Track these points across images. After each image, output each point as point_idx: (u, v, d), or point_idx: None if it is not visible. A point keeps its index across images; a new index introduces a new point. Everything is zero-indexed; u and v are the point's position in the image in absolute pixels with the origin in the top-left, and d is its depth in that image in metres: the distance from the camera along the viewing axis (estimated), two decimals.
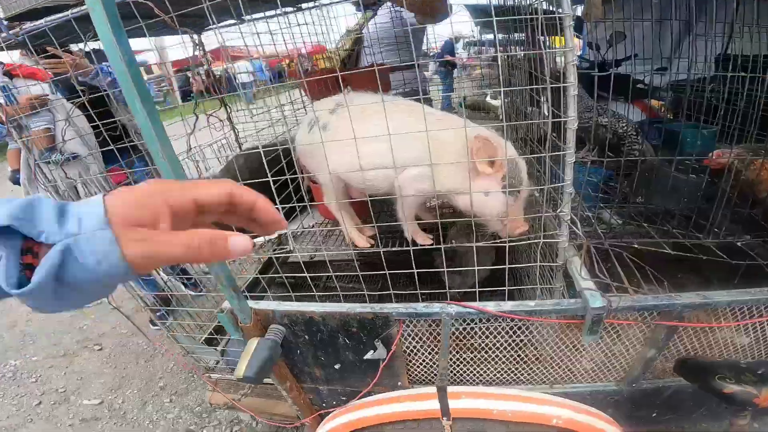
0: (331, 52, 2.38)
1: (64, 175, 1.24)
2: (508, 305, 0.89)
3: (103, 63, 2.24)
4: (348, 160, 0.91)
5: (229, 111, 1.80)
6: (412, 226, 1.07)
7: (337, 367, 1.17)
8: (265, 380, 1.18)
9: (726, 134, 1.33)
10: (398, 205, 0.99)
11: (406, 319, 0.94)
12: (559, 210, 0.84)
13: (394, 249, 0.96)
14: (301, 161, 1.10)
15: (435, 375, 1.19)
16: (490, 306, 0.88)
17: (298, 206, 0.95)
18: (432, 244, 1.05)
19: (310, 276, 1.09)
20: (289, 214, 1.07)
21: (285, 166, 1.02)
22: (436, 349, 1.10)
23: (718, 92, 1.26)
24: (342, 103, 0.82)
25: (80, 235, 0.33)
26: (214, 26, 1.75)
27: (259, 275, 1.37)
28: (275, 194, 0.95)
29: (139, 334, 1.95)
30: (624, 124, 1.62)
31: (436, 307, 0.90)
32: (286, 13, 1.58)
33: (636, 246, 1.14)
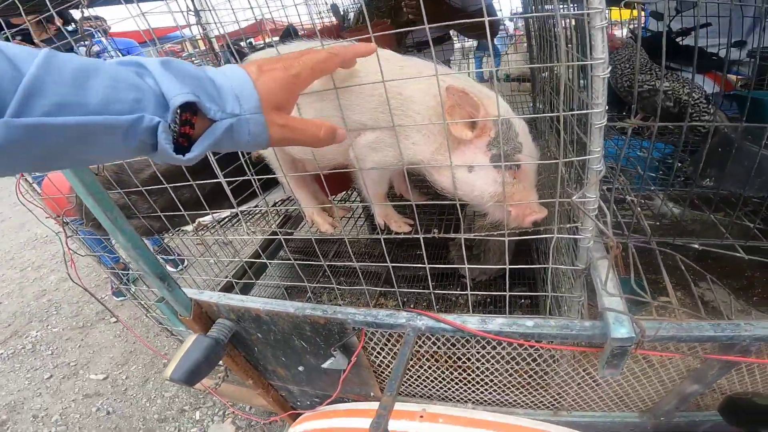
0: None
1: None
2: (495, 323, 0.66)
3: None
4: None
5: None
6: (382, 208, 0.83)
7: (300, 369, 1.01)
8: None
9: None
10: (359, 181, 0.76)
11: (365, 328, 0.75)
12: (579, 193, 0.56)
13: (361, 237, 0.75)
14: None
15: (415, 386, 0.99)
16: (472, 323, 0.66)
17: (255, 179, 0.77)
18: (410, 233, 0.81)
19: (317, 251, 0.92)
20: (243, 190, 0.90)
21: None
22: (416, 363, 0.90)
23: None
24: (280, 53, 0.61)
25: (242, 116, 0.38)
26: None
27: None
28: (218, 169, 0.78)
29: (153, 307, 1.94)
30: (690, 90, 1.27)
31: (401, 317, 0.70)
32: None
33: (697, 247, 0.84)
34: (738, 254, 0.73)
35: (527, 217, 0.63)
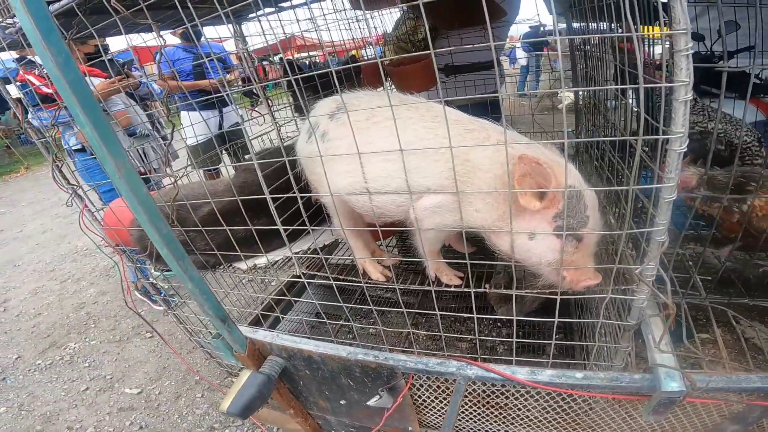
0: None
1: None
2: (545, 375, 0.68)
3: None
4: (349, 181, 0.74)
5: (270, 105, 1.73)
6: (435, 263, 0.86)
7: (342, 402, 1.05)
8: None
9: None
10: (416, 238, 0.77)
11: (414, 374, 0.78)
12: (643, 266, 0.56)
13: (412, 287, 0.79)
14: (306, 175, 0.94)
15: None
16: (522, 374, 0.68)
17: (310, 227, 0.82)
18: (461, 286, 0.84)
19: (348, 281, 0.96)
20: (298, 234, 0.95)
21: (293, 178, 0.90)
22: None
23: None
24: (343, 106, 0.65)
25: None
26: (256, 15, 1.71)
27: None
28: (274, 212, 0.84)
29: (186, 323, 2.00)
30: (743, 134, 1.22)
31: (451, 365, 0.72)
32: None
33: (750, 303, 0.88)
34: None
35: (581, 282, 0.64)
